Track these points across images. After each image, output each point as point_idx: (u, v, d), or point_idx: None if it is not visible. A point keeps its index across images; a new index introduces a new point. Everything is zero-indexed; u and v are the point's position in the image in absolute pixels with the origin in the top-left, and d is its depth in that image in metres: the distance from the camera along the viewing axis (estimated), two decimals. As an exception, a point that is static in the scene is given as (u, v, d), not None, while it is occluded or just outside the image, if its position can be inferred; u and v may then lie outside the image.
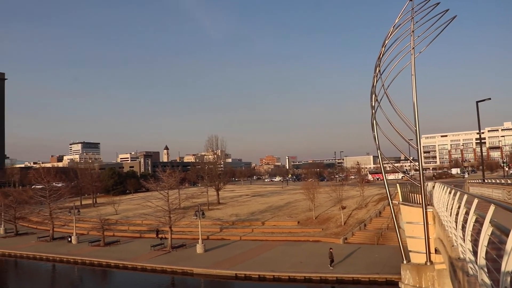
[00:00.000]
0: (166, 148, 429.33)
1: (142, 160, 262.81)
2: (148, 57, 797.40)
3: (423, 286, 28.58)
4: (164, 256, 61.88)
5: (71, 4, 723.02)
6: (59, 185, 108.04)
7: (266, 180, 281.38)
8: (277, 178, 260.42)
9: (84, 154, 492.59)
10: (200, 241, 64.49)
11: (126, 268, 58.97)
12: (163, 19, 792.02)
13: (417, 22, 29.92)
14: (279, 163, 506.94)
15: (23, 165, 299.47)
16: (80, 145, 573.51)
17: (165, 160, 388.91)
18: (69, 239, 78.45)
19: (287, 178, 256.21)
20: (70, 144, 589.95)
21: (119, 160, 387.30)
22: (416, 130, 29.37)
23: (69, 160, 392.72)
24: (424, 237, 28.56)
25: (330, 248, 51.84)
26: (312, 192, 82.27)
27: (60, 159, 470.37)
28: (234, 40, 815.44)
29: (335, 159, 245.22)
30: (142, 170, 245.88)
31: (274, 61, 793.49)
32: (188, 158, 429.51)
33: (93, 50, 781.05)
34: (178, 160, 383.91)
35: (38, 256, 69.84)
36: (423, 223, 28.45)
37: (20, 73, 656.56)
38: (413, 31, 29.94)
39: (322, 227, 73.57)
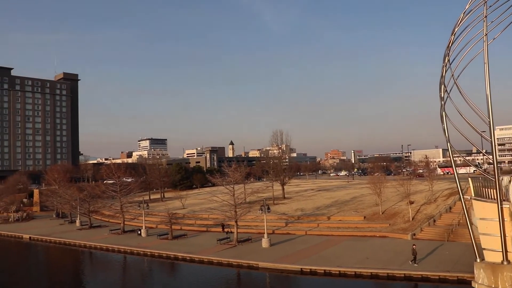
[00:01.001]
0: (231, 143, 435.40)
1: (208, 156, 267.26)
2: (213, 54, 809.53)
3: (499, 287, 27.16)
4: (230, 250, 62.60)
5: (139, 6, 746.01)
6: (129, 180, 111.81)
7: (331, 174, 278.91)
8: (343, 173, 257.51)
9: (152, 150, 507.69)
10: (265, 235, 64.70)
11: (193, 261, 60.16)
12: (225, 17, 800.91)
13: (490, 6, 28.35)
14: (345, 157, 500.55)
15: (95, 161, 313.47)
16: (148, 141, 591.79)
17: (230, 155, 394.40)
18: (139, 232, 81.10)
19: (352, 172, 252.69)
20: (139, 141, 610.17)
21: (185, 156, 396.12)
22: (489, 121, 27.91)
23: (138, 156, 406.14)
24: (499, 235, 27.12)
25: (414, 245, 50.06)
26: (379, 187, 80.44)
27: (129, 155, 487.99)
28: (296, 33, 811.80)
29: (402, 153, 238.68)
30: (208, 165, 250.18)
31: (338, 53, 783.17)
32: (253, 153, 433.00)
33: (160, 50, 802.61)
34: (243, 155, 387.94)
35: (110, 248, 72.75)
36: (498, 219, 27.01)
37: (92, 73, 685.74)
38: (485, 17, 28.39)
39: (389, 222, 71.85)
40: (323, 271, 49.29)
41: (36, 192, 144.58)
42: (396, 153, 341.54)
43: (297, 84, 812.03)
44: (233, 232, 68.62)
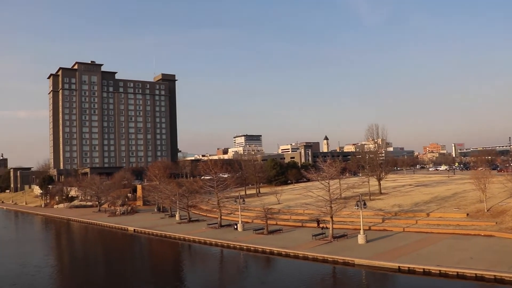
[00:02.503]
0: (326, 138, 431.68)
1: (302, 151, 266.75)
2: (306, 50, 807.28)
3: None
4: (325, 246, 62.02)
5: (232, 5, 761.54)
6: (225, 175, 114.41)
7: (430, 169, 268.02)
8: (442, 167, 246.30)
9: (247, 146, 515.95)
10: (361, 231, 63.36)
11: (288, 256, 60.32)
12: (317, 12, 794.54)
13: None
14: (444, 151, 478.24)
15: (193, 158, 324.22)
16: (243, 137, 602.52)
17: (325, 150, 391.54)
18: (235, 227, 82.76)
19: (453, 166, 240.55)
20: (234, 137, 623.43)
21: (280, 151, 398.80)
22: None
23: (233, 152, 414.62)
24: None
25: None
26: (483, 182, 75.64)
27: (225, 151, 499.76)
28: (391, 24, 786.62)
29: (510, 145, 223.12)
30: (303, 160, 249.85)
31: (435, 41, 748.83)
32: (348, 148, 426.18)
33: (254, 48, 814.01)
34: (338, 150, 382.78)
35: (208, 242, 74.93)
36: None
37: (189, 73, 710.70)
38: None
39: (495, 220, 67.30)
40: (422, 270, 47.27)
41: (139, 187, 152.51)
42: (502, 146, 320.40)
43: (393, 77, 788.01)
44: (329, 228, 67.94)
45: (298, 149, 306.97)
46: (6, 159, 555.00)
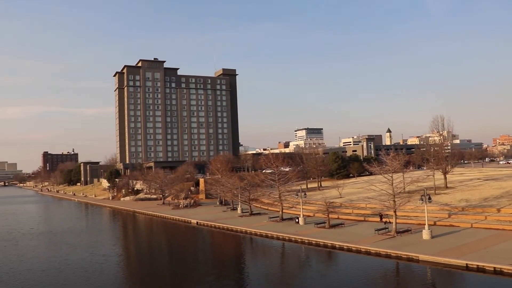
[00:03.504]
0: (389, 131, 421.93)
1: (364, 144, 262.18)
2: (367, 41, 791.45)
3: None
4: (388, 241, 60.70)
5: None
6: (287, 169, 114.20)
7: (500, 162, 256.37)
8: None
9: (308, 139, 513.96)
10: (426, 226, 61.48)
11: (350, 250, 59.52)
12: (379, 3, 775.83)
13: None
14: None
15: (254, 152, 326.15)
16: (304, 131, 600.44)
17: (387, 143, 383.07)
18: (297, 220, 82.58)
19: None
20: (295, 131, 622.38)
21: (341, 145, 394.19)
22: None
23: (294, 146, 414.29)
24: None
25: None
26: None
27: (286, 145, 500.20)
28: (454, 10, 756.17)
29: None
30: (365, 153, 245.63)
31: (505, 27, 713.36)
32: (412, 140, 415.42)
33: (313, 40, 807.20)
34: (401, 143, 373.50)
35: (269, 235, 75.17)
36: None
37: (249, 67, 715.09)
38: None
39: None
40: (492, 269, 45.10)
41: (201, 181, 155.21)
42: None
43: (459, 65, 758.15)
44: (392, 223, 66.47)
45: (360, 142, 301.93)
46: (77, 154, 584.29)
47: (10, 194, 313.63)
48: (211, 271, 56.54)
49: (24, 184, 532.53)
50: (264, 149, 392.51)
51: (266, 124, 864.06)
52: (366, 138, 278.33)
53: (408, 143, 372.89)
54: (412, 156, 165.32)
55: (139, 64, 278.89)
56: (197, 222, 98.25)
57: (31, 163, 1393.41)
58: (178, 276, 54.59)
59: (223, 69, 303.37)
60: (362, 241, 61.78)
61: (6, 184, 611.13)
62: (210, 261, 64.91)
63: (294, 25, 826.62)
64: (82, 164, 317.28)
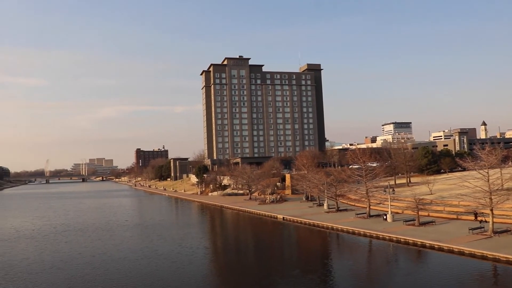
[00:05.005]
0: (484, 123, 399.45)
1: (456, 138, 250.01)
2: (456, 29, 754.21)
3: None
4: (484, 241, 57.33)
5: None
6: (374, 165, 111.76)
7: None
8: None
9: (396, 134, 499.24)
10: (527, 226, 57.47)
11: (441, 250, 56.93)
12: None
13: None
14: None
15: (340, 147, 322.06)
16: (392, 125, 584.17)
17: (482, 136, 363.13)
18: (384, 217, 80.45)
19: None
20: (382, 125, 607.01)
21: (431, 139, 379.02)
22: None
23: (382, 141, 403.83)
24: None
25: None
26: None
27: (373, 140, 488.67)
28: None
29: None
30: (457, 148, 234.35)
31: None
32: (510, 134, 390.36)
33: (397, 32, 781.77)
34: (498, 136, 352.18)
35: (356, 231, 73.82)
36: None
37: (334, 62, 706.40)
38: None
39: None
40: None
41: (287, 176, 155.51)
42: None
43: None
44: (488, 222, 62.71)
45: (452, 136, 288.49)
46: (167, 151, 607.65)
47: (107, 189, 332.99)
48: (297, 265, 56.69)
49: (119, 179, 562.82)
50: (351, 144, 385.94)
51: (352, 119, 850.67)
52: (459, 132, 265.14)
53: (506, 137, 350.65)
54: (511, 150, 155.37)
55: (225, 62, 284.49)
56: (283, 217, 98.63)
57: (126, 159, 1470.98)
58: (264, 269, 55.09)
59: (308, 65, 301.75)
60: (454, 240, 58.88)
61: (104, 179, 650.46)
62: (296, 256, 65.05)
63: (380, 16, 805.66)
64: (172, 160, 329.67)
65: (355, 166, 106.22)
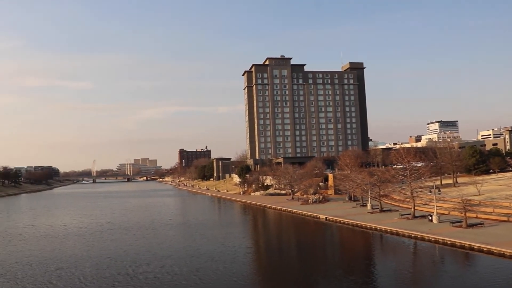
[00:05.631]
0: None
1: (507, 136, 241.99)
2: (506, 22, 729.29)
3: None
4: (538, 244, 55.05)
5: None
6: (419, 164, 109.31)
7: None
8: None
9: (442, 133, 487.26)
10: None
11: (491, 253, 54.93)
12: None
13: None
14: None
15: (384, 147, 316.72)
16: (437, 124, 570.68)
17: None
18: (430, 218, 78.47)
19: None
20: (427, 124, 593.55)
21: (479, 138, 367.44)
22: None
23: (427, 140, 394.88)
24: None
25: None
26: None
27: (418, 139, 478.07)
28: None
29: None
30: (507, 147, 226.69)
31: None
32: None
33: (443, 26, 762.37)
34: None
35: (400, 233, 72.33)
36: None
37: (377, 60, 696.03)
38: None
39: None
40: None
41: (330, 176, 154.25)
42: None
43: None
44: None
45: (502, 134, 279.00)
46: (209, 151, 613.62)
47: (151, 188, 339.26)
48: (339, 266, 56.26)
49: (163, 179, 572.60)
50: (395, 144, 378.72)
51: (396, 118, 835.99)
52: (509, 130, 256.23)
53: None
54: None
55: (267, 62, 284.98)
56: (325, 217, 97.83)
57: (169, 160, 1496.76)
58: (306, 269, 54.85)
59: (350, 63, 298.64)
60: (506, 243, 56.61)
61: (148, 179, 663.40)
62: (338, 256, 64.47)
63: (423, 12, 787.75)
64: (214, 160, 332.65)
65: (399, 166, 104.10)
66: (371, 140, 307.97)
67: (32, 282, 50.89)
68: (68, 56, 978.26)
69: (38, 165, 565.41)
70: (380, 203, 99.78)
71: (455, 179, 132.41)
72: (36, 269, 57.90)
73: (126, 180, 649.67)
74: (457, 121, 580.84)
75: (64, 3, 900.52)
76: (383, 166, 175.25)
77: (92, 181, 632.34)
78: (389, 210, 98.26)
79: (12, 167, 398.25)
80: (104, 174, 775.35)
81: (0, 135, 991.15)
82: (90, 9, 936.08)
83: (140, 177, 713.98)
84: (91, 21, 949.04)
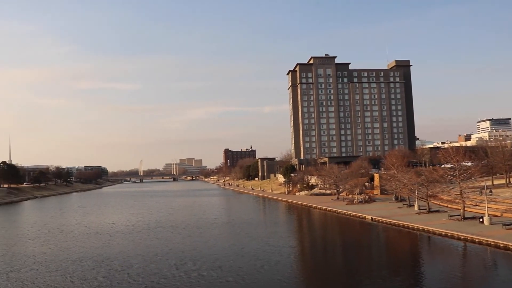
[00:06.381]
0: None
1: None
2: None
3: None
4: None
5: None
6: (468, 164, 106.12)
7: None
8: None
9: (494, 131, 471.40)
10: None
11: (548, 256, 52.69)
12: None
13: None
14: None
15: (431, 146, 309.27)
16: (488, 122, 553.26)
17: None
18: (481, 220, 75.86)
19: None
20: (478, 122, 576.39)
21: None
22: None
23: (477, 139, 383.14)
24: None
25: None
26: None
27: (467, 138, 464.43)
28: None
29: None
30: None
31: None
32: None
33: (493, 21, 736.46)
34: None
35: (449, 234, 70.27)
36: None
37: (424, 56, 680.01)
38: None
39: None
40: None
41: (376, 176, 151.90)
42: None
43: None
44: None
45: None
46: (254, 150, 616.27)
47: (196, 188, 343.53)
48: (385, 266, 55.32)
49: (208, 179, 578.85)
50: (443, 143, 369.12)
51: (444, 116, 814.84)
52: None
53: None
54: None
55: (311, 62, 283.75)
56: (371, 218, 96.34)
57: (214, 159, 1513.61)
58: (350, 269, 54.44)
59: (396, 61, 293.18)
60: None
61: (193, 178, 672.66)
62: (384, 257, 63.36)
63: (473, 7, 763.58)
64: (259, 160, 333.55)
65: (448, 166, 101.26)
66: (418, 139, 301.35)
67: (81, 277, 52.66)
68: (118, 58, 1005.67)
69: (88, 165, 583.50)
70: (428, 203, 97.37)
71: (508, 179, 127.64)
72: (86, 264, 59.84)
73: (172, 179, 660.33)
74: (509, 118, 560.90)
75: (114, 8, 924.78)
76: (430, 166, 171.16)
77: (139, 181, 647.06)
78: (437, 211, 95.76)
79: (64, 167, 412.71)
80: (151, 173, 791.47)
81: (53, 137, 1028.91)
82: (139, 12, 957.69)
83: (185, 177, 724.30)
84: (139, 24, 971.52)
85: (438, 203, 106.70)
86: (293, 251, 67.99)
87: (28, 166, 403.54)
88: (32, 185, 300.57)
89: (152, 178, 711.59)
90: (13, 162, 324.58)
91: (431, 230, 75.29)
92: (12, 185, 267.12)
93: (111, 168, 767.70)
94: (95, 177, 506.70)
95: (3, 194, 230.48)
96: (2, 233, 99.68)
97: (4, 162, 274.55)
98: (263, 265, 55.88)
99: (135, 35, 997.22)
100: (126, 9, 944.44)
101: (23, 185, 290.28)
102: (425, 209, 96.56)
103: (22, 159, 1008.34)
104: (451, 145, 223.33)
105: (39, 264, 61.58)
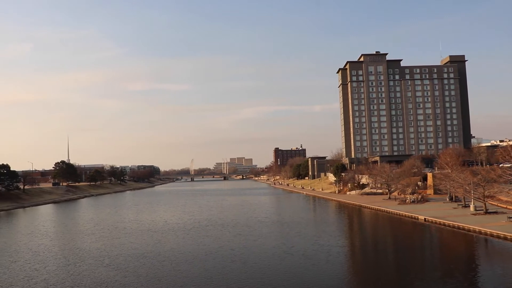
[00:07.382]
0: None
1: None
2: None
3: None
4: None
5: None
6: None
7: None
8: None
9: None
10: None
11: None
12: None
13: None
14: None
15: (489, 144, 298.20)
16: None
17: None
18: (543, 221, 72.53)
19: None
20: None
21: None
22: None
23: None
24: None
25: None
26: None
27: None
28: None
29: None
30: None
31: None
32: None
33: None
34: None
35: (508, 237, 67.35)
36: None
37: (480, 51, 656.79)
38: None
39: None
40: None
41: (429, 175, 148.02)
42: None
43: None
44: None
45: None
46: (304, 149, 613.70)
47: (246, 187, 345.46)
48: (438, 268, 53.81)
49: (258, 178, 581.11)
50: (501, 141, 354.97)
51: (502, 113, 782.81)
52: None
53: None
54: None
55: (361, 59, 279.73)
56: (424, 218, 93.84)
57: (264, 158, 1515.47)
58: (402, 270, 53.46)
59: (450, 56, 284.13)
60: None
61: (243, 177, 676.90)
62: (437, 259, 61.64)
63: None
64: (309, 159, 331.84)
65: (507, 165, 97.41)
66: (474, 137, 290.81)
67: (133, 272, 54.07)
68: (168, 60, 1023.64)
69: (141, 164, 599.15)
70: (485, 204, 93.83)
71: None
72: (137, 260, 61.46)
73: (222, 178, 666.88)
74: None
75: (162, 11, 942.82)
76: (487, 165, 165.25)
77: (190, 180, 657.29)
78: (495, 212, 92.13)
79: (118, 166, 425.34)
80: (202, 172, 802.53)
81: (107, 137, 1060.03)
82: (189, 12, 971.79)
83: (236, 176, 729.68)
84: (188, 24, 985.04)
85: (496, 204, 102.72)
86: (343, 251, 67.05)
87: (84, 165, 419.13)
88: (89, 183, 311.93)
89: (202, 177, 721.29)
90: (71, 162, 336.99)
91: (488, 232, 72.46)
92: (70, 183, 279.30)
93: (163, 167, 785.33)
94: (147, 176, 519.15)
95: (62, 192, 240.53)
96: (62, 229, 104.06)
97: (63, 162, 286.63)
98: (312, 264, 55.57)
99: (184, 36, 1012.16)
100: (174, 10, 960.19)
101: (80, 184, 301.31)
102: (482, 210, 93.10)
103: (79, 159, 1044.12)
104: (510, 143, 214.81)
105: (94, 258, 63.81)
